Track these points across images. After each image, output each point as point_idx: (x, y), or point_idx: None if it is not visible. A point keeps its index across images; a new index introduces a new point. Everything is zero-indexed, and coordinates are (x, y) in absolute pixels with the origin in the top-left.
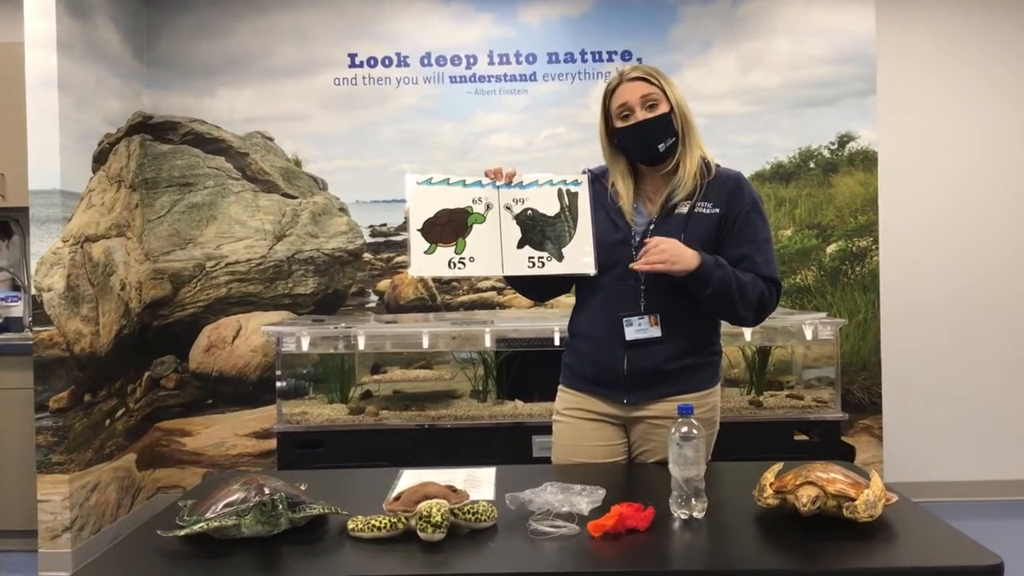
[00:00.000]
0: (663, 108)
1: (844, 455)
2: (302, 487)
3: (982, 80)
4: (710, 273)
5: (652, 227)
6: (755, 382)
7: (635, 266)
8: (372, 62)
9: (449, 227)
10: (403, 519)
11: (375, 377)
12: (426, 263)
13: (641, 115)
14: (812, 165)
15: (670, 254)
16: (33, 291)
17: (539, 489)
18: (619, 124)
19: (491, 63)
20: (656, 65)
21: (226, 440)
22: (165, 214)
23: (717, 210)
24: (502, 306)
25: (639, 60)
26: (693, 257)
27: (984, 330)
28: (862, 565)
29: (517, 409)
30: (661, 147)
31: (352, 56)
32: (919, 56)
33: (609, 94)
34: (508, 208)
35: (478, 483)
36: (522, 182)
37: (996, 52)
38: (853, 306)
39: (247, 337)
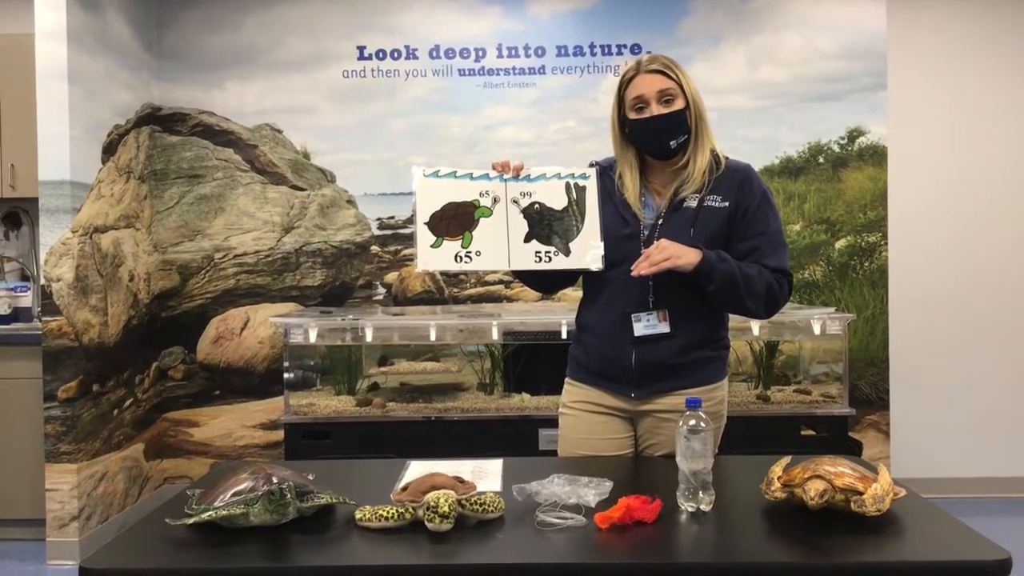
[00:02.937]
0: (679, 104)
1: (851, 450)
2: (310, 477)
3: (993, 75)
4: (713, 267)
5: (660, 221)
6: (763, 377)
7: (641, 271)
8: (381, 55)
9: (456, 221)
10: (410, 509)
11: (382, 369)
12: (432, 257)
13: (656, 110)
14: (821, 160)
15: (672, 250)
16: (42, 281)
17: (546, 481)
18: (632, 116)
19: (500, 56)
20: None
21: (233, 431)
22: (174, 205)
23: (726, 203)
24: (509, 299)
25: (648, 52)
26: (695, 253)
27: (993, 326)
28: (870, 559)
29: (524, 402)
30: (673, 143)
31: (361, 49)
32: (930, 51)
33: (625, 83)
34: (515, 202)
35: (485, 474)
36: (529, 175)
37: (1007, 47)
38: (862, 301)
39: (255, 329)
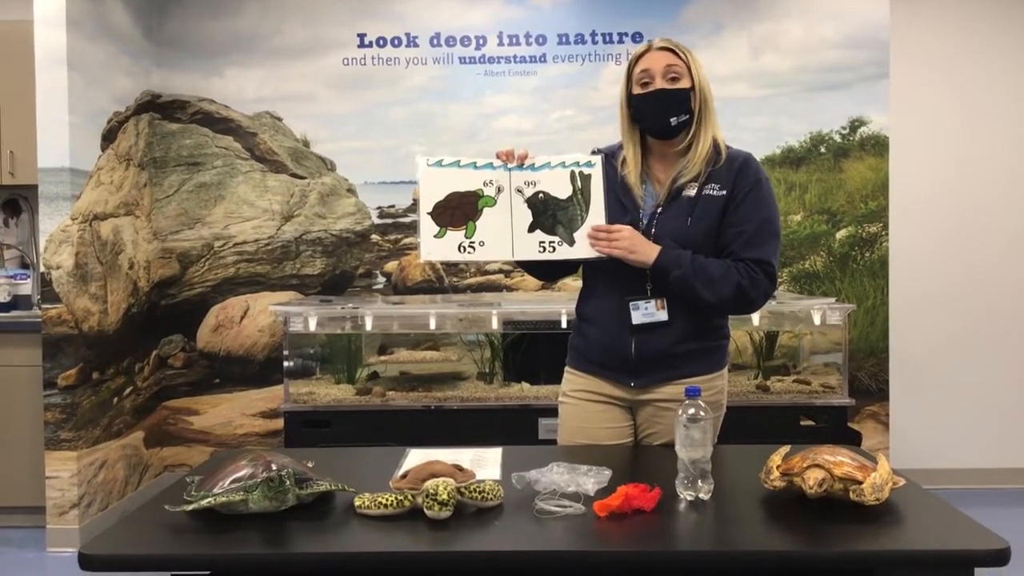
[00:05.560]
0: (684, 83)
1: (850, 441)
2: (309, 464)
3: (996, 65)
4: (666, 272)
5: (660, 210)
6: (762, 367)
7: (599, 242)
8: (381, 42)
9: (459, 210)
10: (410, 497)
11: (382, 358)
12: (436, 247)
13: (660, 84)
14: (823, 150)
15: (628, 242)
16: (42, 269)
17: (545, 469)
18: (637, 91)
19: (501, 44)
20: None
21: (233, 419)
22: (173, 193)
23: (724, 192)
24: (509, 288)
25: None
26: (652, 251)
27: (994, 317)
28: (868, 548)
29: (523, 391)
30: (674, 120)
31: (361, 36)
32: (933, 41)
33: (634, 61)
34: (519, 191)
35: (484, 463)
36: (534, 164)
37: (1011, 38)
38: (862, 292)
39: (255, 317)
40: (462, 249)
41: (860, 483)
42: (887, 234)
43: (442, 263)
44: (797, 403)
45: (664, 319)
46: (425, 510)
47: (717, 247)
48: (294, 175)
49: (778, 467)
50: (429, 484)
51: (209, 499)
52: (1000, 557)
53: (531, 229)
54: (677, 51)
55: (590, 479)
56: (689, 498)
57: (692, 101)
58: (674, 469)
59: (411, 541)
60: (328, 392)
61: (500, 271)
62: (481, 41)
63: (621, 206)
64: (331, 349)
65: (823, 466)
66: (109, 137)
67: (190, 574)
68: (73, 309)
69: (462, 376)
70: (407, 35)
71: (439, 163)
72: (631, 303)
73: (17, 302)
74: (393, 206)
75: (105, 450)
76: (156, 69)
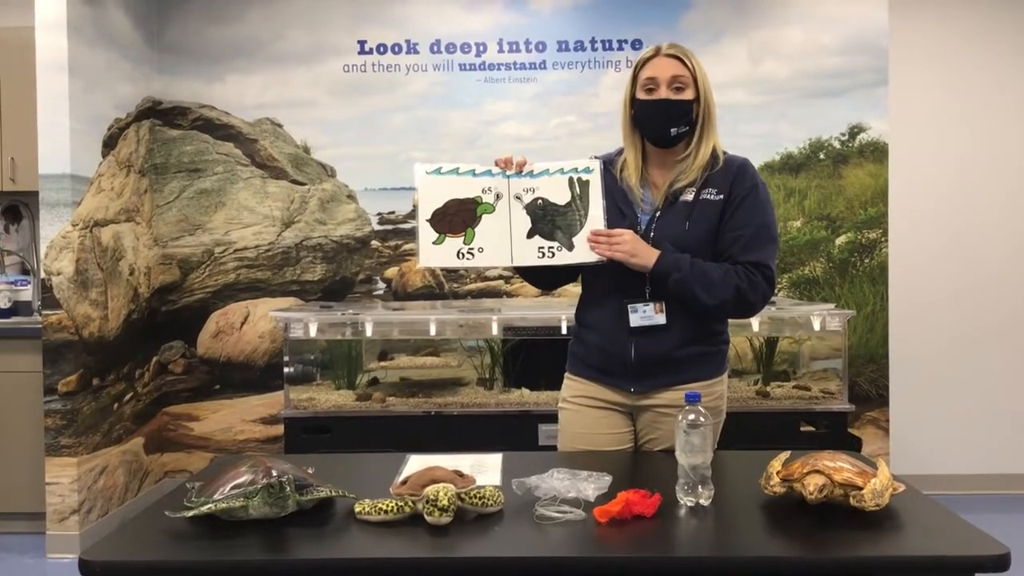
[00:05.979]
0: (688, 95)
1: (851, 446)
2: (309, 470)
3: (995, 71)
4: (666, 276)
5: (658, 215)
6: (762, 372)
7: (600, 244)
8: (381, 49)
9: (458, 217)
10: (410, 503)
11: (382, 364)
12: (435, 254)
13: (665, 93)
14: (822, 156)
15: (630, 246)
16: (42, 275)
17: (545, 475)
18: (641, 96)
19: (501, 51)
20: None
21: (233, 425)
22: (174, 200)
23: (721, 196)
24: (509, 294)
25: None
26: (652, 255)
27: (993, 323)
28: (868, 554)
29: (524, 397)
30: (673, 131)
31: (361, 43)
32: (932, 47)
33: (641, 65)
34: (518, 198)
35: (485, 469)
36: (532, 171)
37: (1010, 44)
38: (862, 298)
39: (255, 323)
40: (461, 255)
41: (860, 489)
42: (886, 240)
43: (442, 269)
44: (797, 409)
45: (662, 323)
46: (425, 516)
47: (715, 251)
48: (294, 181)
49: (778, 473)
50: (429, 490)
51: (209, 505)
52: (1000, 562)
53: (530, 235)
54: (685, 60)
55: (590, 485)
56: (689, 504)
57: (694, 112)
58: (674, 475)
59: (411, 547)
60: (328, 398)
61: (500, 277)
62: (481, 48)
63: (620, 212)
64: (331, 355)
65: (823, 472)
66: (110, 143)
67: None
68: (73, 315)
69: (462, 382)
70: (407, 42)
71: (437, 171)
72: (629, 305)
73: (18, 308)
74: (393, 212)
75: (105, 456)
76: (157, 75)
